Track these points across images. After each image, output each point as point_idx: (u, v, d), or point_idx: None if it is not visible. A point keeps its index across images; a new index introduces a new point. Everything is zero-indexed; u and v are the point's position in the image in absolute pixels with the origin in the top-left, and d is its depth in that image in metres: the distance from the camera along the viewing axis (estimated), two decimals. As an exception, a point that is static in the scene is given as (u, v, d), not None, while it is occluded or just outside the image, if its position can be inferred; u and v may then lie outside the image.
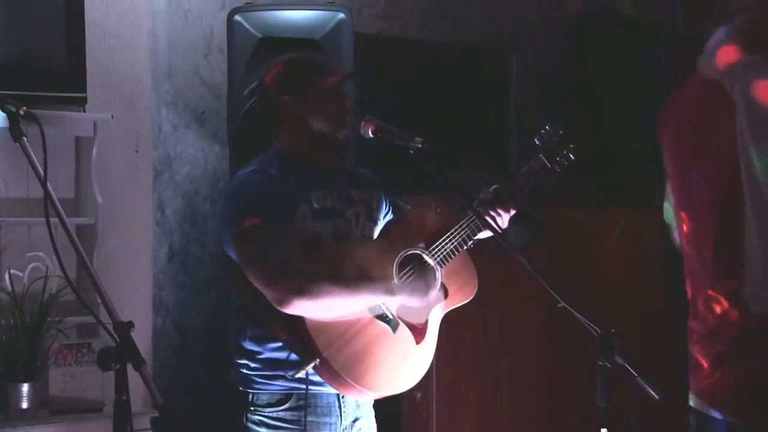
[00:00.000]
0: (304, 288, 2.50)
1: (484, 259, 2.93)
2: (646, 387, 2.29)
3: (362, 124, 2.77)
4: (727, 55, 2.22)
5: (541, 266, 2.46)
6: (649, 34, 4.93)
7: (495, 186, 2.83)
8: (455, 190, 2.68)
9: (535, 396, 4.09)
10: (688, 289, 2.37)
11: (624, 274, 4.32)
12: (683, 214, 2.34)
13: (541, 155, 2.86)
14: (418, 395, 3.64)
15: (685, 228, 2.34)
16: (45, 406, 3.56)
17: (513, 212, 2.81)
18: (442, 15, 4.95)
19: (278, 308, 2.51)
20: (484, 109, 4.71)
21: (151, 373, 2.49)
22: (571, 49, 5.23)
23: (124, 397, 1.91)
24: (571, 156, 2.87)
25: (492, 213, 2.77)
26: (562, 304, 2.39)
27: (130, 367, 1.92)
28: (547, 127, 2.88)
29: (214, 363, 4.00)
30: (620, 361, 2.29)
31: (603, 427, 2.29)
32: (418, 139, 2.71)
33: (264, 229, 2.55)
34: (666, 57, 4.79)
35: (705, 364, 2.27)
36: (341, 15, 3.66)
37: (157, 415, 1.88)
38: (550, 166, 2.86)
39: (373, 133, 2.76)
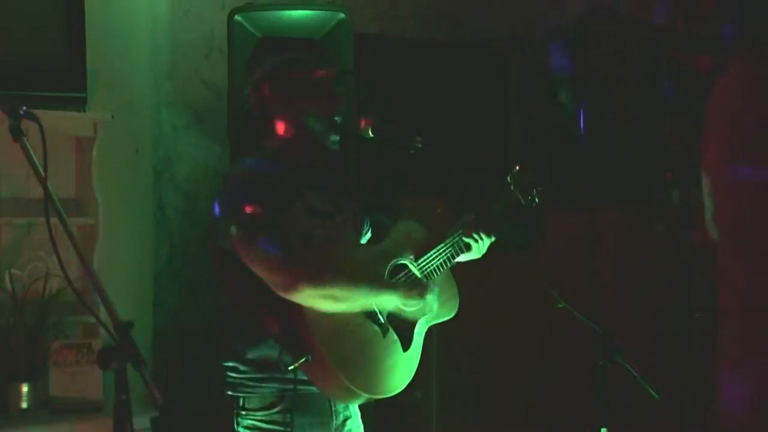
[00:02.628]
0: (311, 274, 2.50)
1: (485, 259, 2.94)
2: (646, 387, 2.29)
3: (362, 124, 2.77)
4: None
5: (541, 266, 2.46)
6: (648, 34, 4.93)
7: (476, 211, 2.86)
8: (456, 191, 2.69)
9: (536, 396, 4.09)
10: None
11: (623, 273, 4.32)
12: None
13: (515, 192, 2.93)
14: (419, 395, 3.64)
15: None
16: (45, 406, 3.56)
17: (493, 239, 2.84)
18: (442, 15, 4.95)
19: (283, 295, 2.50)
20: (484, 109, 4.71)
21: (151, 373, 2.49)
22: (571, 49, 5.23)
23: (124, 397, 1.91)
24: (537, 200, 2.95)
25: (475, 236, 2.81)
26: (563, 304, 2.39)
27: (130, 367, 1.92)
28: (517, 167, 2.95)
29: (214, 363, 4.00)
30: (620, 361, 2.29)
31: (603, 427, 2.29)
32: (418, 138, 2.71)
33: (267, 217, 2.55)
34: (666, 57, 4.79)
35: None
36: (341, 15, 3.66)
37: (157, 415, 1.88)
38: (523, 203, 2.93)
39: (373, 133, 2.76)
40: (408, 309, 2.73)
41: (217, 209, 2.64)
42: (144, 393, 1.92)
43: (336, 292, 2.54)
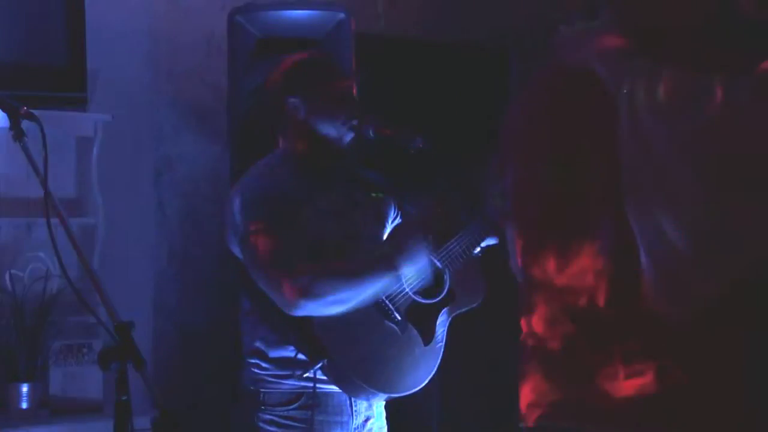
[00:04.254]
0: (310, 289, 2.50)
1: (485, 258, 2.94)
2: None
3: (363, 124, 2.77)
4: (606, 42, 1.82)
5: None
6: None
7: (500, 191, 2.84)
8: (456, 191, 2.69)
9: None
10: None
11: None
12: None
13: None
14: (419, 395, 3.64)
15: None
16: (45, 406, 3.56)
17: None
18: (442, 15, 4.94)
19: (288, 312, 2.52)
20: (484, 108, 4.70)
21: (151, 373, 2.49)
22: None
23: (125, 397, 1.91)
24: None
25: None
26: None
27: (130, 367, 1.92)
28: None
29: (214, 363, 4.00)
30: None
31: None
32: (419, 139, 2.71)
33: (269, 233, 2.55)
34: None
35: None
36: (341, 15, 3.65)
37: (157, 415, 1.88)
38: None
39: (373, 134, 2.76)
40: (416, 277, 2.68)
41: (227, 221, 2.65)
42: (144, 393, 1.92)
43: (338, 297, 2.54)
